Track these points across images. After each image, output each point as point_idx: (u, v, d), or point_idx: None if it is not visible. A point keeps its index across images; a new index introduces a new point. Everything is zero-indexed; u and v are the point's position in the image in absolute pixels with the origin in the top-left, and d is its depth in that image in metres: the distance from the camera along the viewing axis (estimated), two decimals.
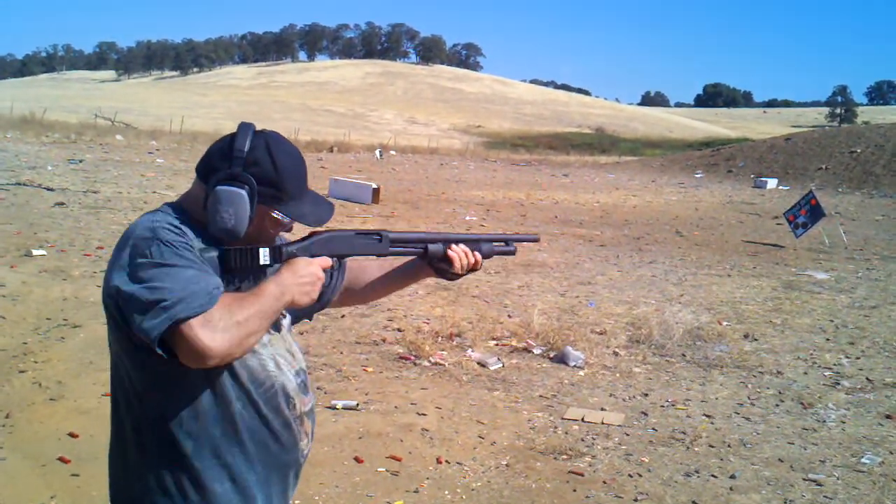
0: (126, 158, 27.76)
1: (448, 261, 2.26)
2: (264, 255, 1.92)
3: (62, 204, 15.14)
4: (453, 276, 2.30)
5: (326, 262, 2.02)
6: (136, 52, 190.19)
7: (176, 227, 1.84)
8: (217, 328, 1.70)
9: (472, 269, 2.30)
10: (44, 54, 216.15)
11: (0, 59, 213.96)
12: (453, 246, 2.26)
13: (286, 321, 2.14)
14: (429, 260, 2.27)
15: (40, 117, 42.53)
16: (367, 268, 2.38)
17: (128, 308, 1.72)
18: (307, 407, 2.09)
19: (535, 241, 2.62)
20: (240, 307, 1.77)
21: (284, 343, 2.06)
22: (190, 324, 1.67)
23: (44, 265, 9.61)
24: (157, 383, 1.84)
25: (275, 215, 1.94)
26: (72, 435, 5.07)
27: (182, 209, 1.93)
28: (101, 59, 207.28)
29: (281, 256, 1.96)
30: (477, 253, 2.30)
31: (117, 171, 23.07)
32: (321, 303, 2.27)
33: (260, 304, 1.81)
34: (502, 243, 2.39)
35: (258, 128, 1.97)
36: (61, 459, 4.74)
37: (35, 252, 10.16)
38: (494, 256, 2.37)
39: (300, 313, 2.24)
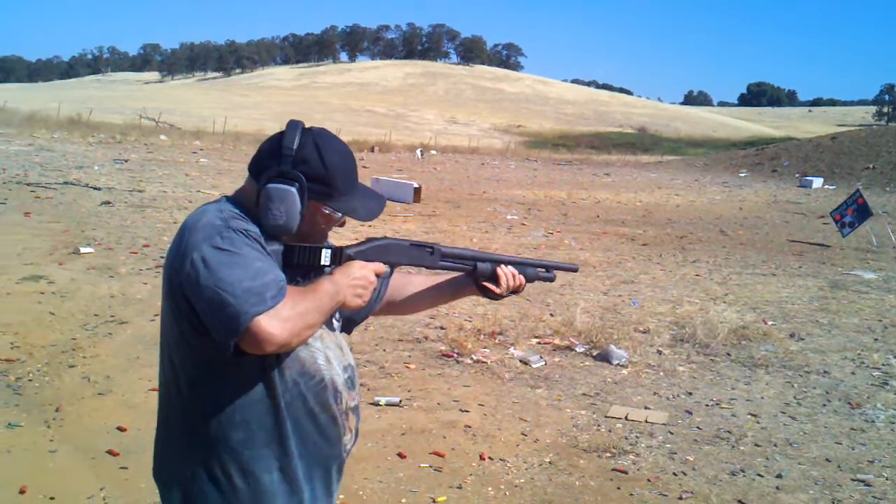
0: (170, 158, 28.10)
1: (494, 280, 2.29)
2: (325, 256, 1.96)
3: (108, 203, 15.37)
4: (496, 297, 2.31)
5: (381, 268, 2.04)
6: (180, 53, 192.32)
7: (242, 217, 1.88)
8: (280, 317, 1.73)
9: (516, 290, 2.32)
10: (89, 56, 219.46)
11: (47, 61, 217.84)
12: (503, 266, 2.29)
13: (337, 321, 2.16)
14: (475, 278, 2.29)
15: (86, 118, 43.23)
16: (411, 281, 2.40)
17: (199, 298, 1.76)
18: (354, 402, 2.11)
19: (575, 270, 2.68)
20: (301, 299, 1.80)
21: (335, 339, 2.08)
22: (259, 316, 1.71)
23: (91, 262, 9.77)
24: (212, 370, 1.87)
25: (326, 211, 1.97)
26: (120, 429, 5.15)
27: (239, 203, 1.96)
28: (145, 60, 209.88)
29: (340, 258, 1.99)
30: (522, 276, 2.32)
31: (162, 170, 23.36)
32: (365, 314, 2.31)
33: (318, 299, 1.83)
34: (544, 269, 2.41)
35: (306, 126, 1.99)
36: (110, 452, 4.82)
37: (83, 249, 10.33)
38: (536, 281, 2.40)
39: (344, 324, 2.26)
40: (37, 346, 6.73)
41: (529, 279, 2.35)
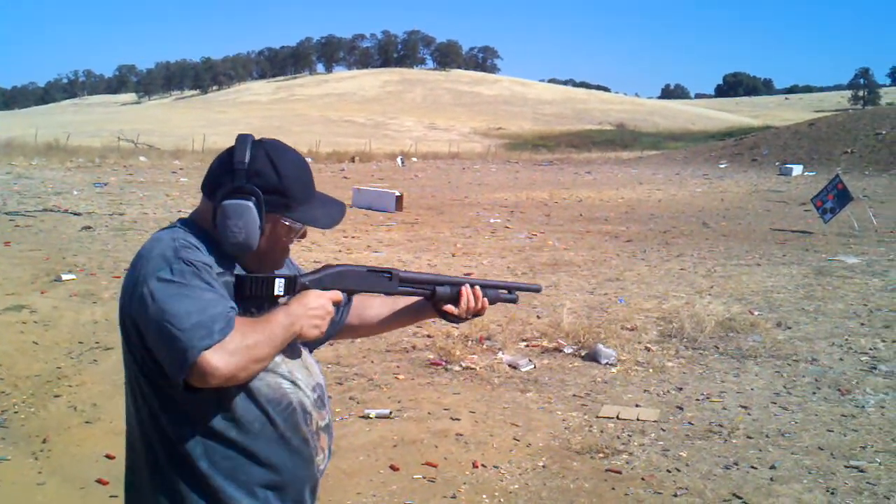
0: (150, 179, 27.99)
1: (455, 303, 2.23)
2: (279, 286, 1.91)
3: (89, 228, 15.27)
4: (456, 319, 2.26)
5: (337, 296, 2.00)
6: (156, 73, 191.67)
7: (195, 245, 1.84)
8: (226, 350, 1.69)
9: (477, 313, 2.27)
10: (65, 80, 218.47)
11: (22, 87, 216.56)
12: (467, 287, 2.24)
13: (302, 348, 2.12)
14: (434, 302, 2.25)
15: (64, 143, 42.95)
16: (371, 304, 2.35)
17: (149, 332, 1.73)
18: (324, 421, 2.07)
19: (538, 290, 2.61)
20: (251, 331, 1.76)
21: (300, 359, 2.05)
22: (206, 350, 1.67)
23: (73, 289, 9.69)
24: (170, 402, 1.83)
25: (286, 223, 1.93)
26: (108, 456, 5.10)
27: (196, 225, 1.93)
28: (121, 82, 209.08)
29: (295, 287, 1.94)
30: (485, 299, 2.27)
31: (142, 192, 23.26)
32: (324, 339, 2.24)
33: (270, 332, 1.79)
34: (505, 291, 2.36)
35: (258, 137, 1.96)
36: (99, 481, 4.77)
37: (64, 277, 10.25)
38: (498, 303, 2.36)
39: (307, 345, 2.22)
40: (21, 376, 6.66)
41: (491, 301, 2.30)
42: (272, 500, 1.93)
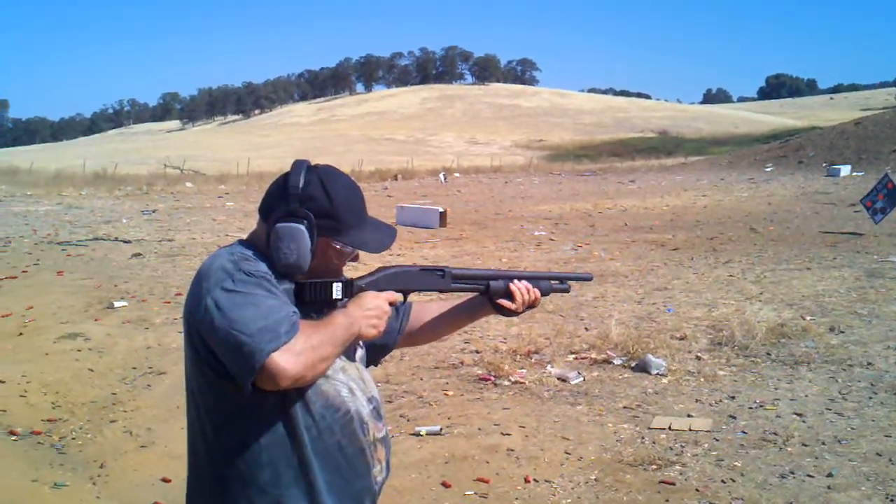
0: (197, 205, 28.38)
1: (509, 297, 2.28)
2: (337, 290, 1.99)
3: (139, 255, 15.52)
4: (511, 313, 2.32)
5: (393, 296, 2.07)
6: (199, 99, 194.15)
7: (253, 258, 1.92)
8: (293, 351, 1.76)
9: (531, 305, 2.32)
10: (110, 111, 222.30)
11: (70, 119, 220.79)
12: (516, 282, 2.29)
13: (360, 352, 2.17)
14: (489, 296, 2.29)
15: (112, 172, 43.76)
16: (427, 308, 2.41)
17: (215, 341, 1.80)
18: (381, 433, 2.12)
19: (589, 279, 2.70)
20: (314, 332, 1.83)
21: (357, 371, 2.10)
22: (273, 353, 1.74)
23: (126, 316, 9.85)
24: (236, 412, 1.90)
25: (336, 246, 2.00)
26: (165, 480, 5.17)
27: (252, 245, 2.01)
28: (165, 109, 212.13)
29: (352, 291, 2.01)
30: (536, 290, 2.32)
31: (189, 217, 23.59)
32: (388, 345, 2.33)
33: (332, 332, 1.87)
34: (558, 281, 2.42)
35: (313, 163, 2.04)
36: None
37: (116, 304, 10.42)
38: (551, 294, 2.40)
39: (368, 358, 2.26)
40: (77, 403, 6.80)
41: (544, 292, 2.36)
42: None
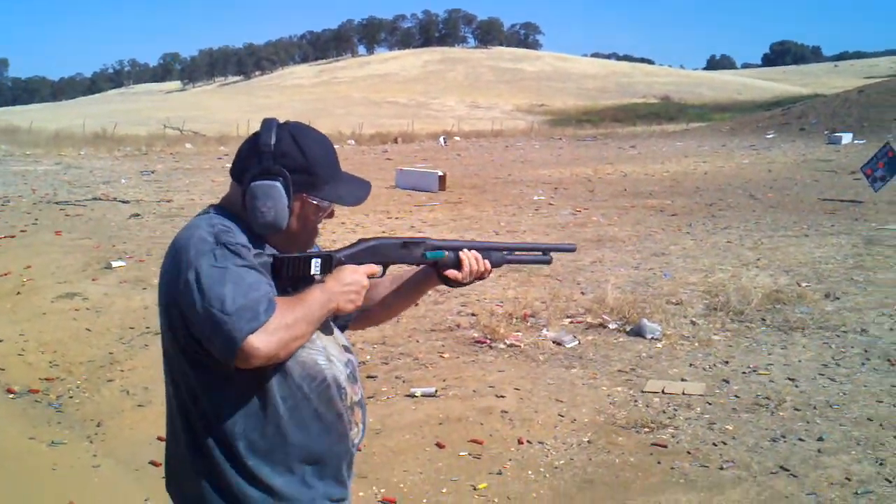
0: (196, 166, 28.30)
1: (458, 268, 2.22)
2: (315, 265, 1.97)
3: (137, 215, 15.52)
4: (458, 284, 2.25)
5: (372, 268, 2.05)
6: (199, 60, 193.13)
7: (233, 229, 1.90)
8: (266, 331, 1.75)
9: (480, 277, 2.25)
10: (111, 71, 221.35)
11: (70, 79, 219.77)
12: (465, 251, 2.23)
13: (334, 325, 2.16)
14: (437, 268, 2.24)
15: (111, 132, 43.56)
16: (380, 284, 2.35)
17: (195, 318, 1.78)
18: (357, 397, 2.12)
19: (572, 250, 2.61)
20: (289, 310, 1.82)
21: (333, 335, 2.10)
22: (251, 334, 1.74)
23: (123, 276, 9.87)
24: (213, 382, 1.89)
25: (313, 201, 1.98)
26: (160, 439, 5.20)
27: (227, 210, 1.99)
28: (165, 70, 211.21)
29: (331, 266, 1.99)
30: (487, 261, 2.25)
31: (188, 178, 23.54)
32: (341, 325, 2.26)
33: (307, 309, 1.85)
34: (540, 252, 2.38)
35: (281, 121, 2.02)
36: (153, 463, 4.89)
37: (114, 264, 10.44)
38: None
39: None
40: (75, 362, 6.83)
41: (495, 263, 2.28)
42: (309, 476, 1.98)
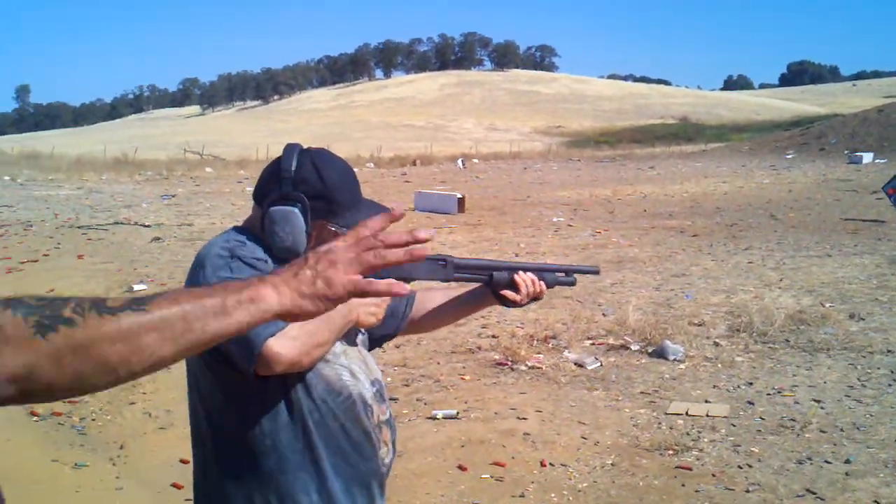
0: (216, 189, 28.47)
1: (513, 288, 2.23)
2: None
3: (158, 239, 15.60)
4: (515, 305, 2.26)
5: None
6: (218, 85, 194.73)
7: (248, 244, 1.93)
8: (287, 336, 1.76)
9: (536, 297, 2.27)
10: (130, 96, 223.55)
11: (90, 104, 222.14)
12: (521, 273, 2.24)
13: (361, 336, 2.17)
14: (493, 288, 2.25)
15: (132, 157, 43.92)
16: (431, 297, 2.39)
17: None
18: (385, 416, 2.12)
19: (596, 272, 2.58)
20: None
21: (359, 354, 2.10)
22: (270, 338, 1.74)
23: None
24: (237, 397, 1.90)
25: (332, 228, 1.99)
26: (183, 461, 5.20)
27: (247, 231, 2.01)
28: (185, 95, 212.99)
29: None
30: (542, 283, 2.27)
31: (209, 202, 23.67)
32: (391, 331, 2.31)
33: (328, 318, 1.84)
34: (563, 274, 2.36)
35: (305, 146, 2.04)
36: (174, 485, 4.88)
37: (136, 287, 10.49)
38: (556, 286, 2.35)
39: (371, 343, 2.26)
40: None
41: (549, 285, 2.30)
42: (339, 494, 1.97)
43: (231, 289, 1.08)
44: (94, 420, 6.13)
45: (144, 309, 1.00)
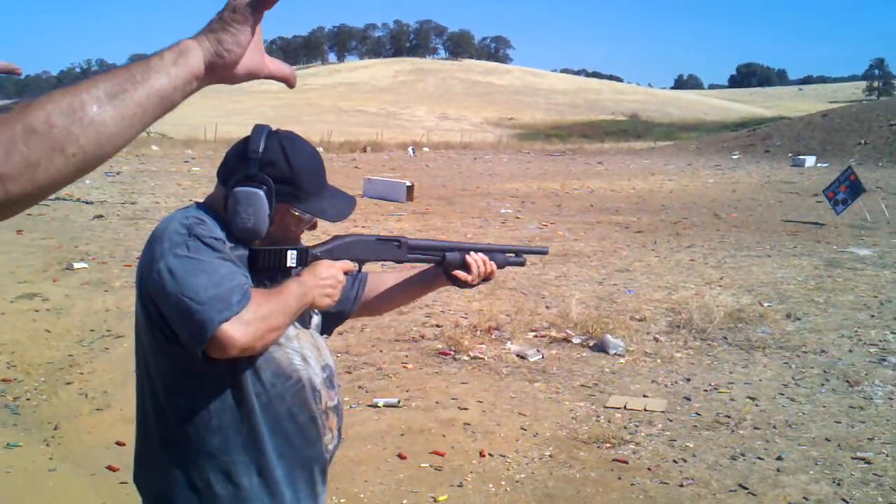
0: (162, 168, 28.06)
1: (465, 269, 2.28)
2: (291, 258, 1.97)
3: (101, 216, 15.36)
4: (466, 285, 2.30)
5: (348, 265, 2.07)
6: None
7: (209, 223, 1.89)
8: (242, 321, 1.75)
9: (487, 278, 2.31)
10: (78, 70, 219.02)
11: (36, 76, 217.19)
12: (472, 254, 2.28)
13: (316, 319, 2.17)
14: (445, 268, 2.29)
15: None
16: (382, 278, 2.42)
17: (166, 307, 1.78)
18: (333, 402, 2.11)
19: (545, 253, 2.64)
20: (265, 302, 1.82)
21: (311, 339, 2.09)
22: (224, 322, 1.73)
23: (85, 278, 9.75)
24: (186, 377, 1.88)
25: (295, 212, 1.98)
26: (119, 443, 5.14)
27: (209, 209, 1.98)
28: None
29: (307, 259, 2.00)
30: (492, 262, 2.31)
31: (154, 181, 23.34)
32: (343, 313, 2.33)
33: (283, 302, 1.86)
34: (513, 254, 2.41)
35: (274, 129, 2.01)
36: (110, 468, 4.82)
37: (76, 265, 10.31)
38: (507, 267, 2.39)
39: (322, 326, 2.26)
40: (33, 364, 6.72)
41: (500, 265, 2.34)
42: (280, 478, 1.97)
43: (165, 55, 1.08)
44: (28, 399, 6.01)
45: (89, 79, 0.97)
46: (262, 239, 1.94)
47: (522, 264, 2.45)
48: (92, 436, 5.38)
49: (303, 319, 2.04)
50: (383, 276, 2.42)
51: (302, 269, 1.98)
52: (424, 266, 2.36)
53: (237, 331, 1.73)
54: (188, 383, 1.89)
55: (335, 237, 2.13)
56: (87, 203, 17.29)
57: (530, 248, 2.50)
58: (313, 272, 1.96)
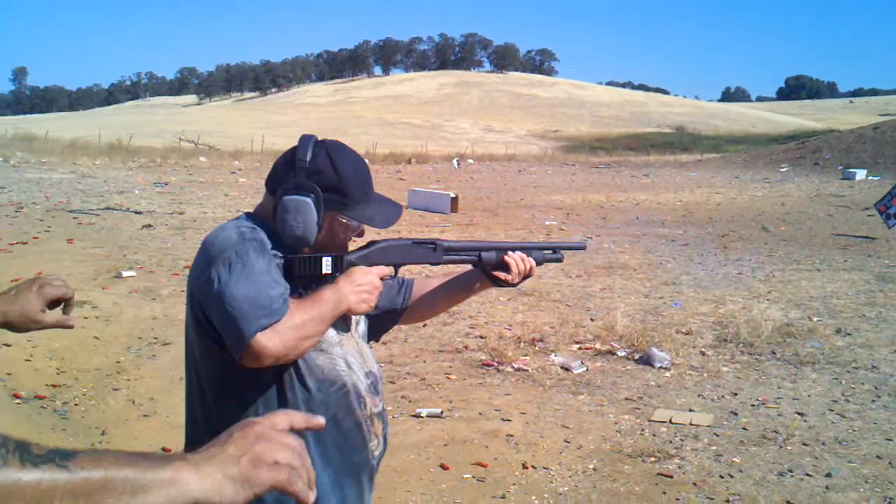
0: (210, 179, 28.40)
1: (503, 268, 2.27)
2: (327, 264, 1.99)
3: (149, 226, 15.56)
4: (508, 284, 2.30)
5: (384, 270, 2.08)
6: (216, 75, 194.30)
7: (258, 232, 1.94)
8: (276, 330, 1.77)
9: (527, 275, 2.31)
10: (128, 83, 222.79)
11: (87, 89, 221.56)
12: (510, 252, 2.28)
13: (361, 325, 2.18)
14: (482, 268, 2.28)
15: (127, 144, 43.72)
16: (426, 283, 2.42)
17: (213, 313, 1.82)
18: (378, 408, 2.12)
19: (582, 248, 2.62)
20: (299, 311, 1.84)
21: (356, 345, 2.10)
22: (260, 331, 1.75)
23: (133, 286, 9.88)
24: (233, 382, 1.91)
25: (342, 220, 2.00)
26: (165, 450, 5.18)
27: (258, 218, 2.02)
28: (182, 84, 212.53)
29: (342, 265, 2.01)
30: (531, 260, 2.30)
31: (202, 192, 23.62)
32: (391, 320, 2.35)
33: (318, 310, 1.87)
34: (551, 251, 2.39)
35: (320, 139, 2.04)
36: None
37: (125, 273, 10.46)
38: (544, 264, 2.37)
39: (371, 332, 2.26)
40: (82, 370, 6.82)
41: (538, 262, 2.34)
42: (327, 484, 1.97)
43: (153, 462, 1.03)
44: (76, 405, 6.10)
45: (67, 467, 0.95)
46: (310, 246, 1.97)
47: (560, 260, 2.43)
48: (139, 441, 5.43)
49: (346, 325, 2.05)
50: (427, 281, 2.43)
51: (338, 275, 1.99)
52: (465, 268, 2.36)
53: (270, 340, 1.75)
54: (237, 389, 1.92)
55: (371, 242, 2.14)
56: (136, 213, 17.54)
57: (568, 244, 2.48)
58: (349, 278, 1.97)
